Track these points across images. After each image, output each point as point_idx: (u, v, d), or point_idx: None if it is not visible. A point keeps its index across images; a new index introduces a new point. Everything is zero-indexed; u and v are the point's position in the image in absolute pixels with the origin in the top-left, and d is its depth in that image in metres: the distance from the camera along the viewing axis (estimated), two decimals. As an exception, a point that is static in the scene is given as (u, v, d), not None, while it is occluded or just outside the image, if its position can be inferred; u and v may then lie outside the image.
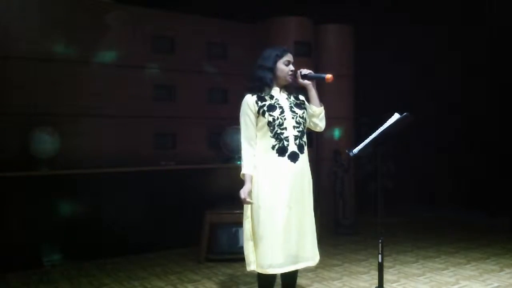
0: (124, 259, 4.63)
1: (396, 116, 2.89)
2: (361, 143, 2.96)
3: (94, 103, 5.04)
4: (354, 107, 6.36)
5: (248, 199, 2.67)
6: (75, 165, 4.74)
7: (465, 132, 7.26)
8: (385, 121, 2.92)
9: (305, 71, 2.77)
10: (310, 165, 2.82)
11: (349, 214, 6.03)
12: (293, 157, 2.68)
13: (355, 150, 2.94)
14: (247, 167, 2.71)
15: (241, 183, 2.74)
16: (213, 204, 4.71)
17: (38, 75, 4.78)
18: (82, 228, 4.53)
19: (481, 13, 6.74)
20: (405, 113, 2.87)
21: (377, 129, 2.93)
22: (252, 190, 2.69)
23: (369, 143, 2.93)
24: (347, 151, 3.01)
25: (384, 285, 2.99)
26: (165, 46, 5.60)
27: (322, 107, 2.82)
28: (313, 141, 5.76)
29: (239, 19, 6.04)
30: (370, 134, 2.94)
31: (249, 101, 2.72)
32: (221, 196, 4.86)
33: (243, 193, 2.67)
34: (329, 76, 2.71)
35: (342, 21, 6.25)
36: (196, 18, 5.78)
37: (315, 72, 2.83)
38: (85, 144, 4.93)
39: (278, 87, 2.79)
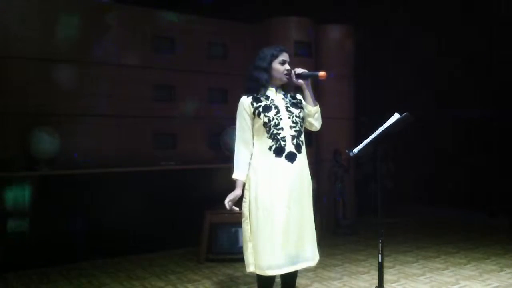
0: (124, 259, 4.63)
1: (396, 116, 2.89)
2: (361, 143, 2.96)
3: (94, 103, 5.04)
4: (354, 107, 6.37)
5: (233, 208, 2.69)
6: (75, 165, 4.74)
7: (465, 132, 7.26)
8: (385, 121, 2.92)
9: (299, 70, 2.74)
10: (309, 165, 2.81)
11: (349, 214, 6.03)
12: (291, 157, 2.67)
13: (355, 150, 2.94)
14: (239, 172, 2.71)
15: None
16: (213, 204, 4.71)
17: (38, 75, 4.78)
18: (82, 228, 4.52)
19: (482, 13, 6.73)
20: (405, 113, 2.87)
21: (377, 129, 2.93)
22: (250, 192, 2.68)
23: (369, 143, 2.94)
24: (347, 151, 3.02)
25: (384, 285, 3.00)
26: (165, 46, 5.60)
27: (317, 107, 2.79)
28: (313, 141, 5.76)
29: (239, 19, 6.04)
30: (370, 134, 2.94)
31: (245, 102, 2.72)
32: (221, 196, 4.80)
33: (227, 200, 2.70)
34: (322, 73, 2.71)
35: (342, 21, 6.25)
36: (196, 18, 5.77)
37: (312, 71, 2.82)
38: (85, 144, 4.93)
39: (274, 87, 2.77)
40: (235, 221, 4.29)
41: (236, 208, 2.73)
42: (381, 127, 2.92)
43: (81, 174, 4.64)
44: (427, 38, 7.29)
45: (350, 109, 6.29)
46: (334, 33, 6.21)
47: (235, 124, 2.79)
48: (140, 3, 5.37)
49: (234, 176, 2.72)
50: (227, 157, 5.40)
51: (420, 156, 7.67)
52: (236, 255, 4.25)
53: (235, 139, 2.79)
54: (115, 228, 4.64)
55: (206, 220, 4.52)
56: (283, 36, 5.77)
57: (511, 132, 6.57)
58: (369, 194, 6.53)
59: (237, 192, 2.71)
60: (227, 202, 2.71)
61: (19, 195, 4.33)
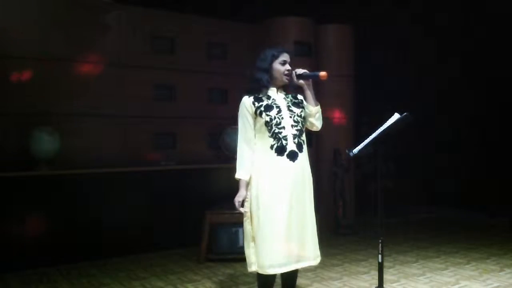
0: (124, 259, 4.63)
1: (396, 116, 2.89)
2: (361, 143, 2.97)
3: (94, 103, 5.04)
4: (354, 107, 6.36)
5: (242, 209, 2.68)
6: (75, 165, 4.74)
7: (465, 132, 7.26)
8: (385, 121, 2.92)
9: (299, 71, 2.76)
10: (310, 165, 2.82)
11: (349, 214, 6.03)
12: (292, 156, 2.68)
13: (355, 150, 2.95)
14: (242, 172, 2.71)
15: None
16: (213, 204, 4.71)
17: (38, 75, 4.78)
18: (82, 228, 4.53)
19: (481, 13, 6.73)
20: (405, 113, 2.87)
21: (377, 129, 2.93)
22: (252, 191, 2.69)
23: (369, 143, 2.94)
24: (347, 151, 3.02)
25: (384, 285, 3.00)
26: (165, 46, 5.60)
27: (318, 107, 2.81)
28: (313, 141, 5.76)
29: (239, 19, 6.04)
30: (370, 134, 2.94)
31: (246, 102, 2.73)
32: (221, 196, 4.84)
33: (237, 202, 2.69)
34: (323, 73, 2.71)
35: (342, 21, 6.24)
36: (196, 18, 5.78)
37: (312, 71, 2.83)
38: (85, 144, 4.93)
39: (275, 87, 2.79)
40: (235, 221, 4.30)
41: (247, 209, 2.70)
42: (381, 127, 2.92)
43: (81, 174, 4.64)
44: (427, 38, 7.28)
45: (350, 109, 6.28)
46: (334, 33, 6.21)
47: (235, 124, 2.79)
48: (140, 3, 5.36)
49: (238, 175, 2.72)
50: (227, 157, 5.41)
51: (420, 156, 7.66)
52: (236, 255, 4.26)
53: (235, 139, 2.79)
54: (115, 228, 4.64)
55: (206, 220, 4.53)
56: (283, 36, 5.76)
57: (511, 132, 6.57)
58: (369, 194, 6.53)
59: (242, 193, 2.69)
60: (238, 204, 2.69)
61: (18, 195, 4.32)
